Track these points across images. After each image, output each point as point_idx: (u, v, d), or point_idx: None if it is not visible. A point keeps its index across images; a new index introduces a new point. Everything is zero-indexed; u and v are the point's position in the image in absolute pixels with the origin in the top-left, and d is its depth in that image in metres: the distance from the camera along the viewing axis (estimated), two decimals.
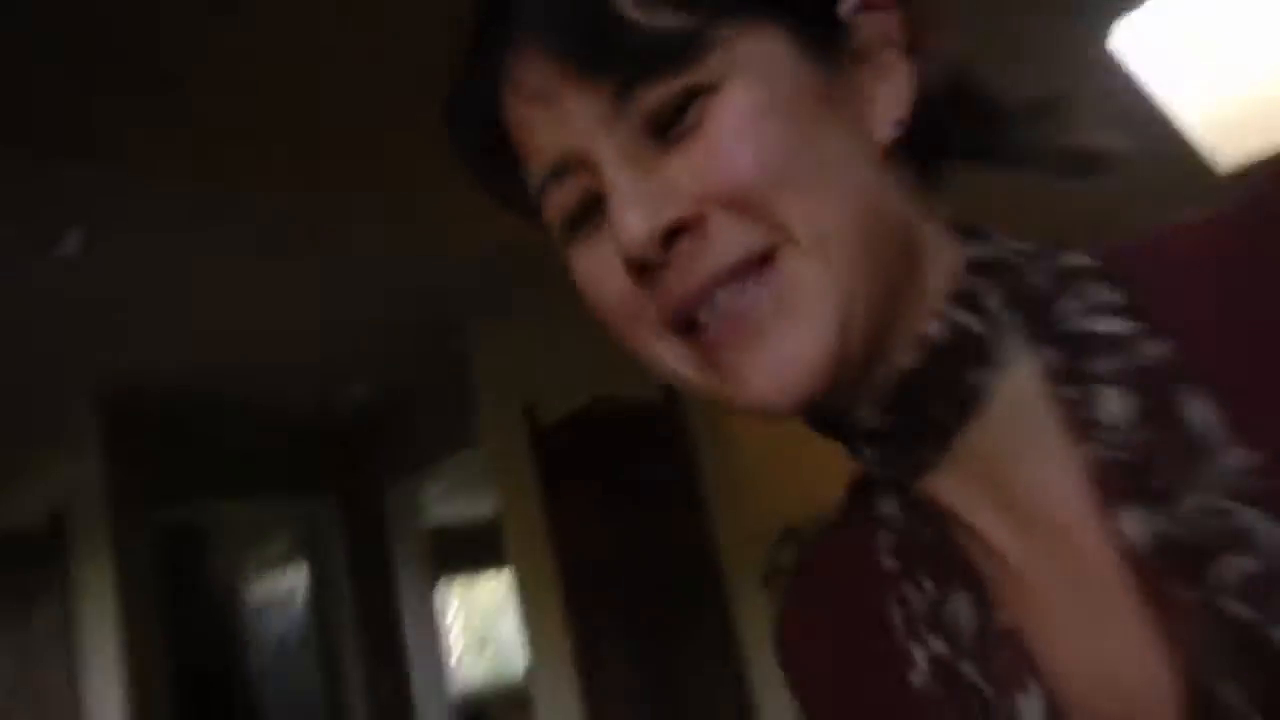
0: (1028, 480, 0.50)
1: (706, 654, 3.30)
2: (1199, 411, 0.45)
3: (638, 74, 0.49)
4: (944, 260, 0.53)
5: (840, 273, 0.49)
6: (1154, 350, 0.48)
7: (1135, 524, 0.46)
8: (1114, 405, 0.48)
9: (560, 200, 0.52)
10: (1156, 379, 0.47)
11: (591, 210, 0.52)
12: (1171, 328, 0.48)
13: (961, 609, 0.54)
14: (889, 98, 0.53)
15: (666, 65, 0.49)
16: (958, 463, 0.52)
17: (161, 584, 3.47)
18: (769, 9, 0.51)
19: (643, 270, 0.50)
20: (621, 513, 3.45)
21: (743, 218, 0.49)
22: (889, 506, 0.57)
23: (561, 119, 0.51)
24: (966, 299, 0.52)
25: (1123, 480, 0.47)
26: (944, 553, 0.55)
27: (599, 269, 0.52)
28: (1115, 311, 0.50)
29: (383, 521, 4.39)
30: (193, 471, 3.75)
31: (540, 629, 3.61)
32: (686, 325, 0.50)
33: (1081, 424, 0.49)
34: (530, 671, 3.72)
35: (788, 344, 0.49)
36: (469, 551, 7.13)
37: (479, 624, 8.17)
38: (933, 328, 0.51)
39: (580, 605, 3.47)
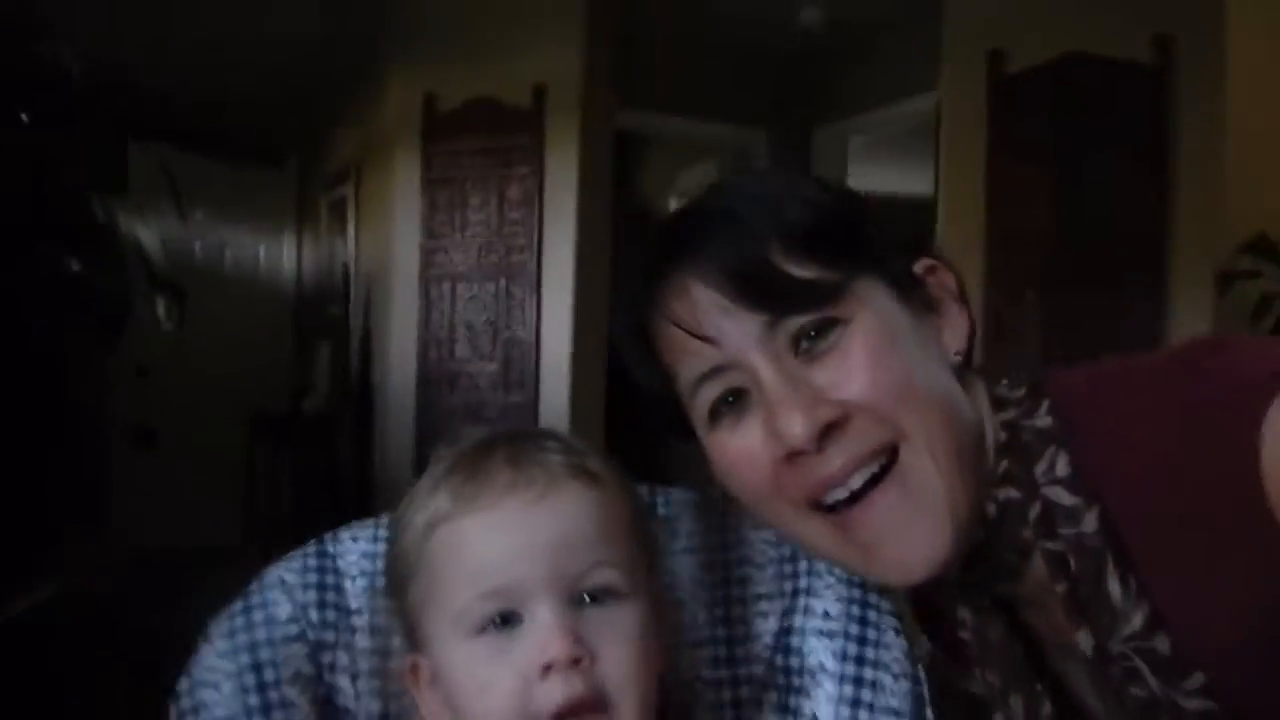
0: (1042, 612, 0.72)
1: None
2: (1114, 583, 0.66)
3: (793, 307, 0.68)
4: (991, 449, 0.73)
5: (946, 474, 0.68)
6: (1089, 526, 0.67)
7: (1086, 640, 0.68)
8: (1072, 561, 0.68)
9: (711, 395, 0.71)
10: (1090, 549, 0.67)
11: (736, 404, 0.71)
12: (1102, 501, 0.67)
13: (1017, 703, 0.76)
14: (953, 334, 0.75)
15: (812, 304, 0.68)
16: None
17: (611, 176, 3.81)
18: (872, 266, 0.71)
19: (792, 457, 0.68)
20: (1071, 193, 3.21)
21: (872, 422, 0.67)
22: (963, 611, 0.78)
23: (719, 335, 0.69)
24: (1005, 478, 0.71)
25: (1078, 613, 0.68)
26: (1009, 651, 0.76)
27: (743, 452, 0.70)
28: (1067, 486, 0.69)
29: (806, 164, 4.44)
30: (654, 76, 3.95)
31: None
32: (820, 505, 0.69)
33: (1054, 570, 0.69)
34: None
35: (915, 540, 0.68)
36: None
37: None
38: (990, 507, 0.71)
39: (1003, 290, 3.31)
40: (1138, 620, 0.66)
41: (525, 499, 0.64)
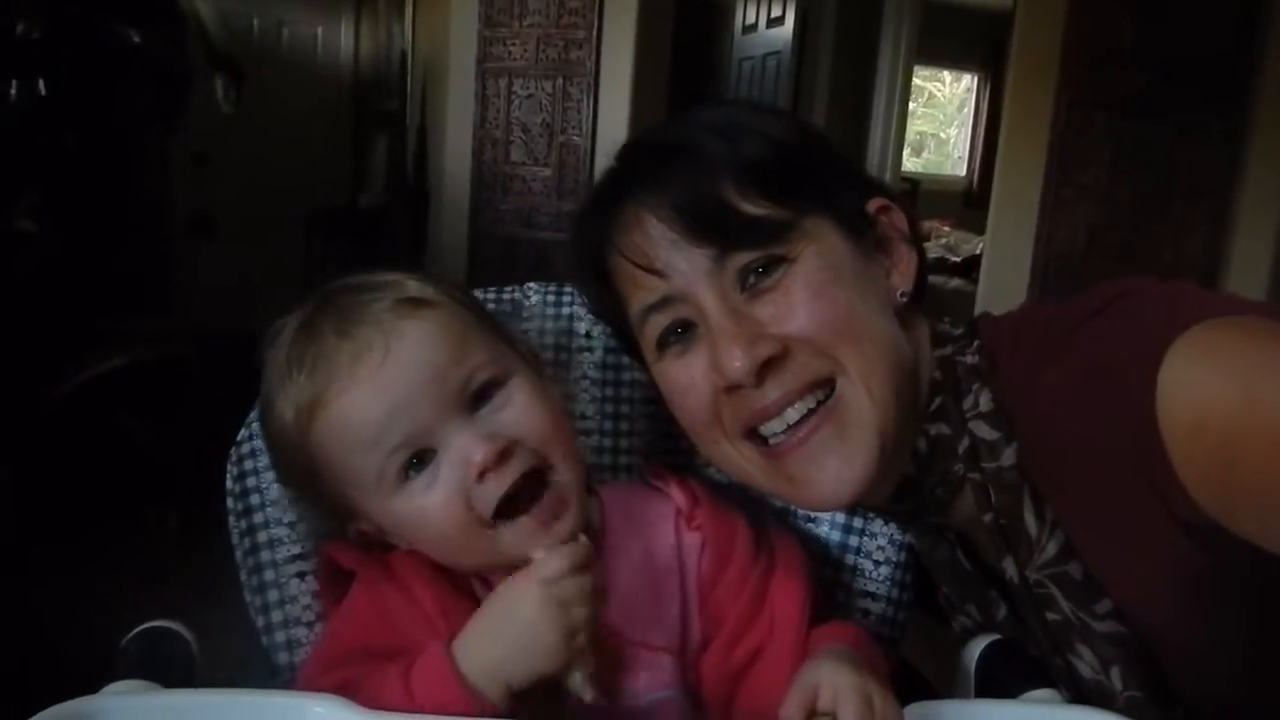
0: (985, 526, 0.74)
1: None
2: (1029, 514, 0.71)
3: (737, 245, 0.71)
4: (925, 384, 0.76)
5: (880, 407, 0.71)
6: (1007, 460, 0.72)
7: (1010, 568, 0.73)
8: (994, 493, 0.73)
9: (658, 324, 0.74)
10: (1008, 483, 0.72)
11: (684, 334, 0.73)
12: (1019, 437, 0.72)
13: (972, 610, 0.80)
14: (902, 274, 0.78)
15: (759, 242, 0.71)
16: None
17: None
18: (823, 205, 0.74)
19: (732, 389, 0.71)
20: (1156, 11, 3.02)
21: (811, 356, 0.70)
22: (910, 535, 0.83)
23: (667, 268, 0.72)
24: (937, 414, 0.75)
25: (1003, 542, 0.73)
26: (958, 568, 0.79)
27: (686, 381, 0.73)
28: (989, 421, 0.73)
29: None
30: None
31: (1019, 147, 3.37)
32: (754, 435, 0.72)
33: (979, 501, 0.73)
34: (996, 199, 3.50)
35: (844, 467, 0.71)
36: (950, 40, 6.82)
37: (925, 123, 8.03)
38: (920, 443, 0.75)
39: (1075, 109, 3.16)
40: (1051, 549, 0.70)
41: (373, 362, 0.66)
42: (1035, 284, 3.28)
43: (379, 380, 0.66)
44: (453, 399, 0.67)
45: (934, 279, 4.30)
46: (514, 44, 3.76)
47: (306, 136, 5.36)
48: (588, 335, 0.89)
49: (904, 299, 0.77)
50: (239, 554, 0.80)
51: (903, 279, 0.77)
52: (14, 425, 1.72)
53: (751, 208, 0.71)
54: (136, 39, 1.68)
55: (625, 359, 0.88)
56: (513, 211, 3.85)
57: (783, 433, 0.71)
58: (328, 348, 0.67)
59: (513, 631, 0.60)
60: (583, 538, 0.64)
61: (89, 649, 0.70)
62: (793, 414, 0.71)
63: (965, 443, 0.73)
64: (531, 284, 0.91)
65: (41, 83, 1.91)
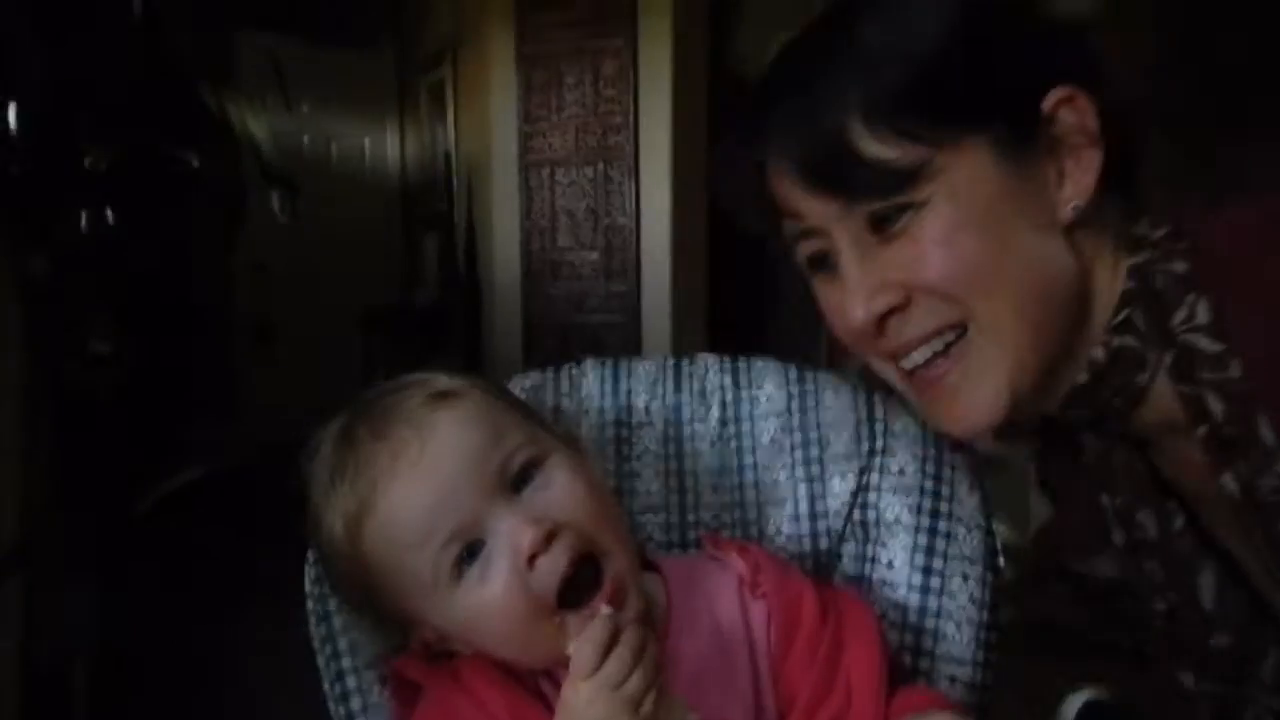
0: (1172, 447, 0.74)
1: None
2: (1265, 427, 0.66)
3: (865, 194, 0.69)
4: (1107, 294, 0.72)
5: (1011, 351, 0.69)
6: (1235, 372, 0.67)
7: (1231, 483, 0.68)
8: (1215, 405, 0.68)
9: (808, 249, 0.74)
10: (1238, 394, 0.67)
11: (827, 262, 0.73)
12: (1244, 353, 0.66)
13: (1147, 518, 0.78)
14: (1077, 183, 0.70)
15: (888, 190, 0.68)
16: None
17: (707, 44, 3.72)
18: (980, 116, 0.68)
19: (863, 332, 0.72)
20: None
21: (938, 303, 0.69)
22: (1088, 438, 0.80)
23: (801, 210, 0.72)
24: (1124, 326, 0.71)
25: (1223, 455, 0.68)
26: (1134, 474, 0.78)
27: (833, 307, 0.74)
28: (1209, 333, 0.68)
29: None
30: None
31: None
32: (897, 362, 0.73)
33: (1196, 414, 0.69)
34: None
35: (969, 409, 0.71)
36: None
37: None
38: (1097, 353, 0.72)
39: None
40: None
41: (412, 457, 0.66)
42: None
43: (419, 474, 0.66)
44: (493, 483, 0.67)
45: None
46: (553, 135, 3.86)
47: (360, 240, 5.52)
48: (647, 410, 0.89)
49: (1075, 212, 0.70)
50: (320, 660, 0.79)
51: (1076, 189, 0.70)
52: (103, 542, 1.78)
53: (879, 149, 0.66)
54: (196, 163, 1.76)
55: (686, 432, 0.88)
56: (563, 296, 3.91)
57: (915, 368, 0.72)
58: (366, 452, 0.68)
59: None
60: (604, 609, 0.63)
61: None
62: (918, 356, 0.71)
63: (1169, 356, 0.69)
64: (588, 360, 0.92)
65: (109, 211, 2.01)
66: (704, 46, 3.71)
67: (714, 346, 0.93)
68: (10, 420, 1.68)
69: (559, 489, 0.68)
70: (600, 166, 3.78)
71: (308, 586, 0.80)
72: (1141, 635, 0.85)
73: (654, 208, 3.69)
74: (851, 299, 0.70)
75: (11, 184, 1.61)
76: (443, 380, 0.71)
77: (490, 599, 0.66)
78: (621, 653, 0.60)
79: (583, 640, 0.61)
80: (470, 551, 0.66)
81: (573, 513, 0.67)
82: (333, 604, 0.79)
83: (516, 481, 0.67)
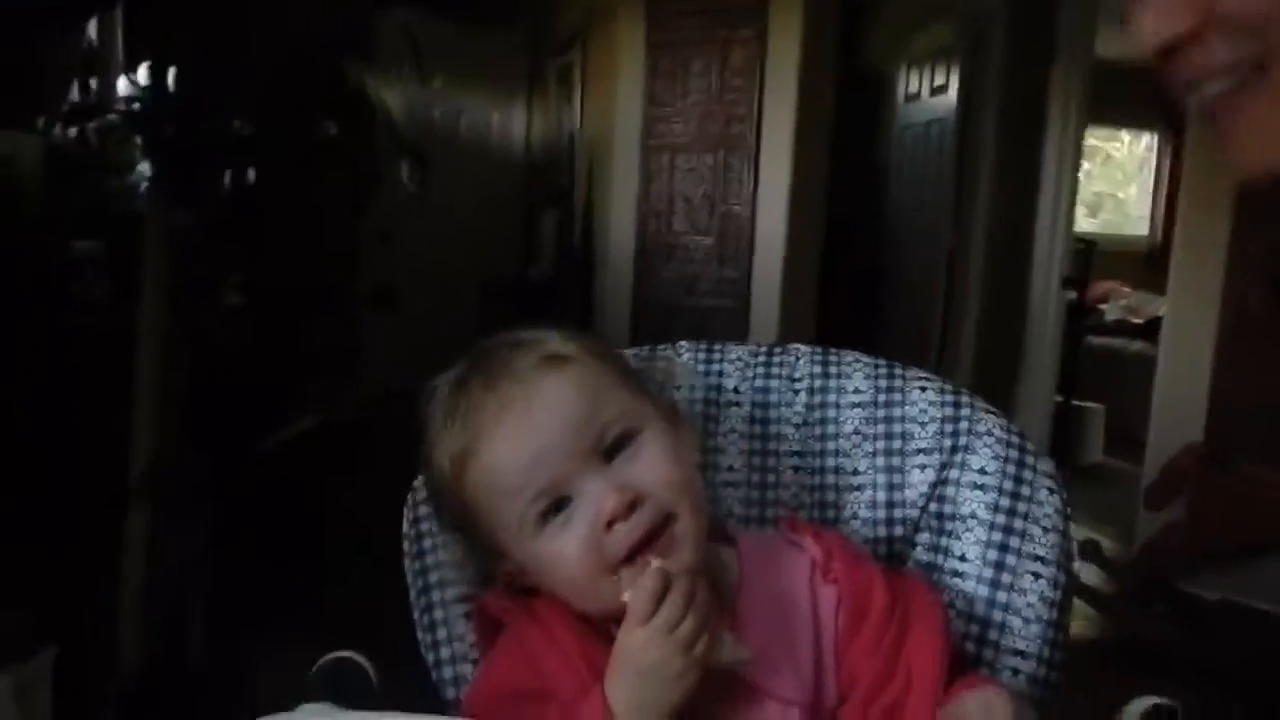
0: None
1: None
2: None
3: None
4: None
5: None
6: None
7: None
8: None
9: None
10: None
11: None
12: None
13: None
14: None
15: None
16: None
17: (836, 42, 3.70)
18: None
19: None
20: None
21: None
22: None
23: None
24: None
25: None
26: None
27: None
28: None
29: (1050, 27, 4.15)
30: None
31: (1200, 206, 3.25)
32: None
33: None
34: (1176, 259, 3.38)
35: None
36: (1125, 100, 6.56)
37: (1098, 184, 7.74)
38: None
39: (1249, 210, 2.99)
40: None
41: (517, 411, 0.71)
42: (1221, 347, 3.12)
43: (521, 431, 0.71)
44: (588, 450, 0.71)
45: (1114, 341, 4.15)
46: (677, 121, 3.89)
47: (481, 213, 5.67)
48: (736, 390, 0.93)
49: None
50: (412, 594, 0.86)
51: None
52: (223, 478, 1.90)
53: None
54: (333, 131, 1.86)
55: (773, 415, 0.91)
56: (675, 279, 3.95)
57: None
58: (476, 401, 0.73)
59: (640, 674, 0.64)
60: (655, 561, 0.67)
61: (294, 674, 0.78)
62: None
63: None
64: (683, 342, 0.96)
65: (251, 172, 2.14)
66: (833, 41, 3.68)
67: (820, 338, 0.95)
68: (150, 361, 1.80)
69: (646, 461, 0.72)
70: (720, 154, 3.80)
71: (405, 528, 0.87)
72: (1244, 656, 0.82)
73: (771, 198, 3.70)
74: None
75: (166, 144, 1.73)
76: (555, 342, 0.75)
77: (566, 552, 0.71)
78: (674, 598, 0.64)
79: (638, 588, 0.65)
80: (556, 506, 0.71)
81: (654, 485, 0.71)
82: (427, 543, 0.86)
83: (610, 450, 0.72)
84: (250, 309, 2.63)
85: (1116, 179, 7.73)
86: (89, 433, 1.90)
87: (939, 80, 4.41)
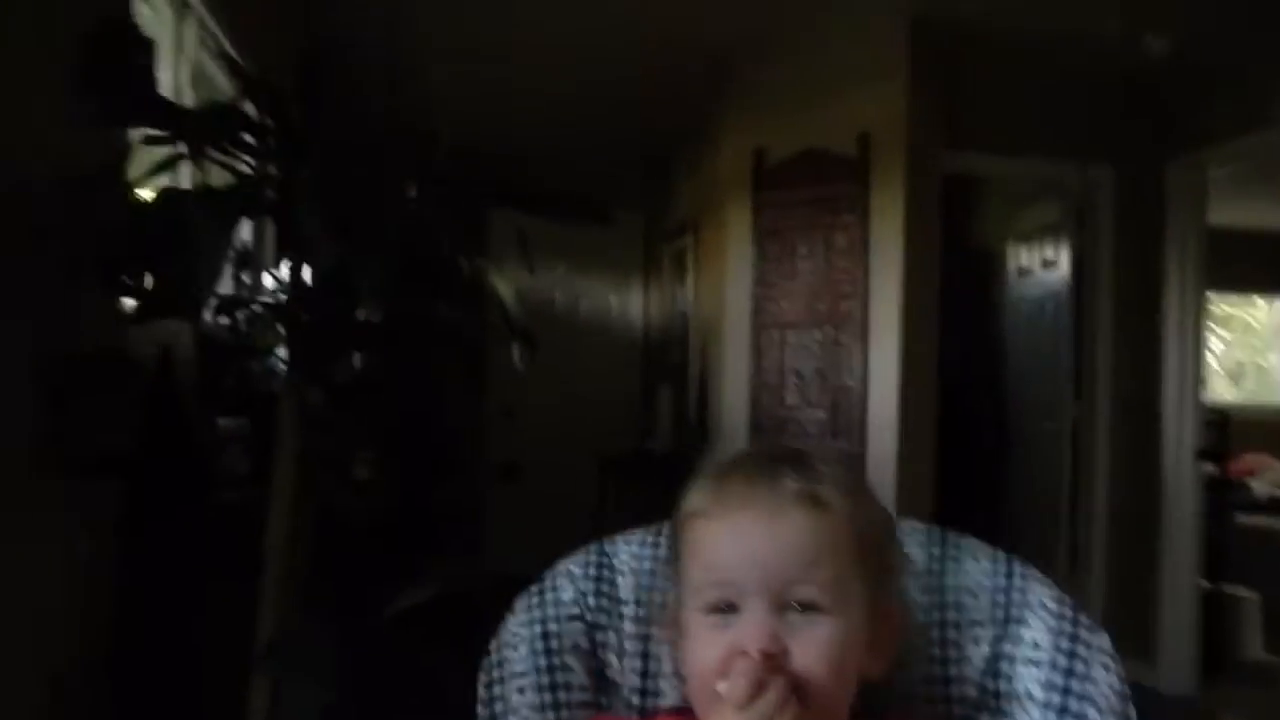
0: None
1: None
2: None
3: None
4: None
5: None
6: None
7: None
8: None
9: None
10: None
11: None
12: None
13: None
14: None
15: None
16: None
17: (939, 221, 3.78)
18: None
19: None
20: None
21: None
22: None
23: None
24: None
25: None
26: None
27: None
28: None
29: (1161, 200, 4.14)
30: (984, 117, 3.90)
31: None
32: None
33: None
34: None
35: None
36: (1246, 265, 6.42)
37: (1237, 352, 7.46)
38: None
39: None
40: None
41: (752, 515, 0.77)
42: None
43: (741, 537, 0.77)
44: (776, 590, 0.75)
45: (1263, 521, 3.91)
46: (785, 300, 4.02)
47: (605, 389, 5.88)
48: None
49: None
50: None
51: None
52: (342, 647, 1.98)
53: None
54: (451, 318, 2.03)
55: (950, 581, 0.90)
56: None
57: None
58: (733, 484, 0.80)
59: None
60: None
61: None
62: None
63: None
64: None
65: (379, 356, 2.31)
66: (937, 225, 3.78)
67: (939, 511, 0.97)
68: (278, 532, 1.93)
69: (809, 645, 0.74)
70: (829, 330, 3.87)
71: (479, 692, 0.92)
72: None
73: (882, 371, 3.73)
74: None
75: (302, 330, 1.91)
76: (825, 487, 0.79)
77: (704, 646, 0.77)
78: (770, 696, 0.70)
79: (735, 675, 0.72)
80: (726, 605, 0.77)
81: (803, 669, 0.74)
82: (498, 707, 0.90)
83: (787, 603, 0.75)
84: (379, 482, 2.78)
85: (1256, 346, 7.44)
86: (218, 603, 2.02)
87: (1049, 255, 4.43)
